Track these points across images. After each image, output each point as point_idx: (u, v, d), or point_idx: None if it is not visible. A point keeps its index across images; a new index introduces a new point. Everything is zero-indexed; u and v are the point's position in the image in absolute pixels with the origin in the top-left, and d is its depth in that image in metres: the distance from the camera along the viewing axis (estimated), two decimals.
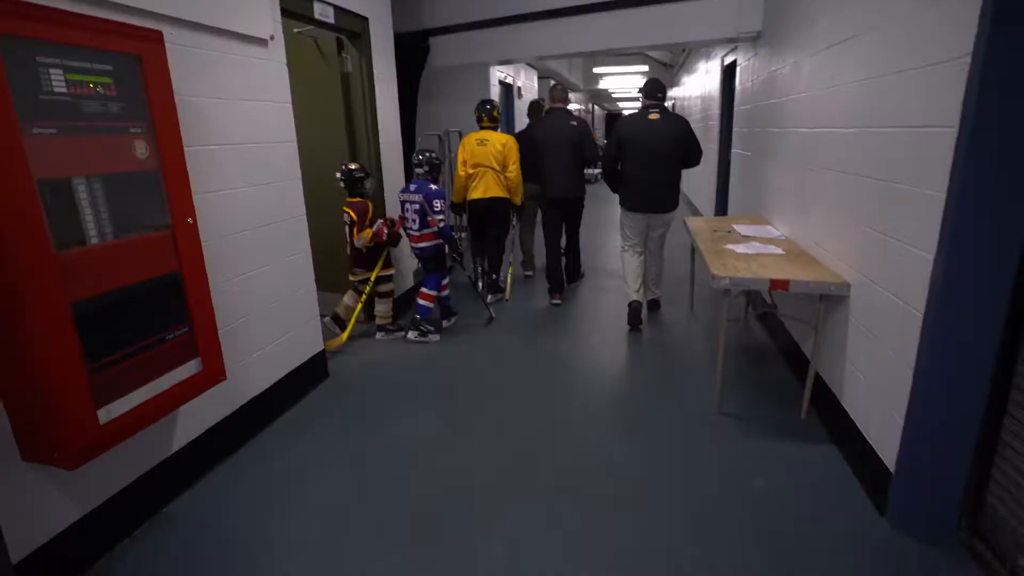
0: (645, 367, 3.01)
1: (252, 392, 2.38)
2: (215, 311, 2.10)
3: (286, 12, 2.56)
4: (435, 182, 3.30)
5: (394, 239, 3.21)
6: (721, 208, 5.30)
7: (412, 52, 4.44)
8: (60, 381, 1.48)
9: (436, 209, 3.19)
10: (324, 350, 2.86)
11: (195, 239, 1.79)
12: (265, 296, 2.41)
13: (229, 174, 2.16)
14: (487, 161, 3.70)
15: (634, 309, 3.50)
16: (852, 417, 2.15)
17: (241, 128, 2.22)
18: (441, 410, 2.60)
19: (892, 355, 1.86)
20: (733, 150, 4.61)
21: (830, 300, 2.35)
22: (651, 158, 3.33)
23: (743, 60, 4.32)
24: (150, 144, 1.65)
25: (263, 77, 2.33)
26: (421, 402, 2.68)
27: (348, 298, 3.36)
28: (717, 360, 2.55)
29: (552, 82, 8.16)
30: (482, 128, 3.78)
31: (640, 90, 3.48)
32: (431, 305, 3.39)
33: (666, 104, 3.52)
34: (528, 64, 7.91)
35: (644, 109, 3.41)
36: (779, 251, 2.69)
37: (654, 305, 3.79)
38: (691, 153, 3.37)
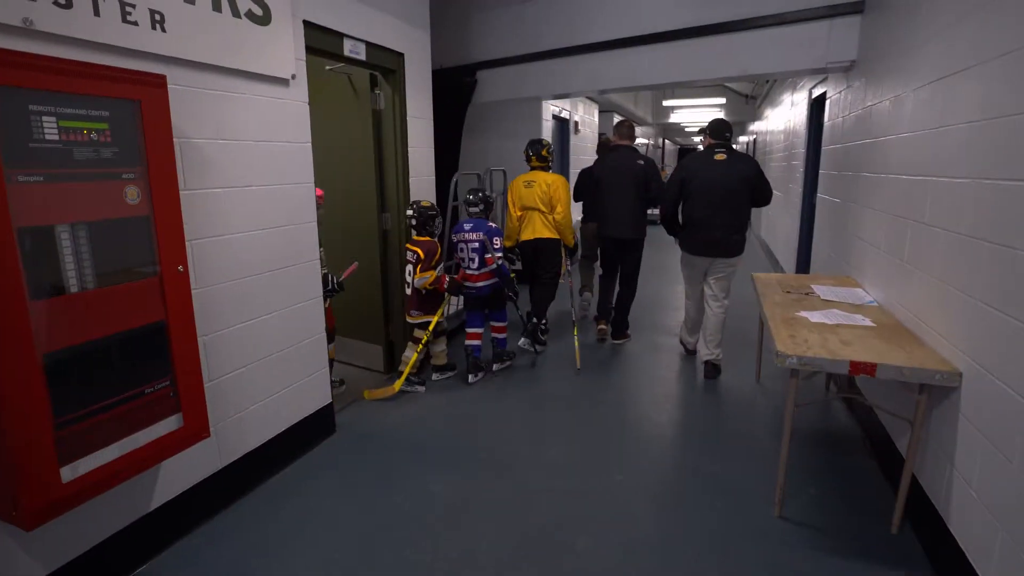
0: (694, 443, 2.73)
1: (244, 448, 2.32)
2: (208, 362, 2.06)
3: (312, 50, 2.57)
4: (488, 220, 3.42)
5: (455, 289, 3.26)
6: (803, 263, 4.90)
7: (457, 86, 4.47)
8: (22, 438, 1.45)
9: (496, 246, 3.30)
10: (331, 403, 2.78)
11: (184, 288, 1.76)
12: (267, 346, 2.36)
13: (236, 217, 2.15)
14: (533, 203, 3.77)
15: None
16: (961, 545, 1.75)
17: (254, 170, 2.21)
18: (454, 475, 2.47)
19: (1022, 474, 1.46)
20: (819, 195, 4.24)
21: (934, 391, 1.94)
22: (718, 199, 3.34)
23: (833, 92, 3.99)
24: (143, 190, 1.64)
25: (281, 117, 2.32)
26: (433, 464, 2.55)
27: (409, 351, 3.34)
28: (781, 451, 2.18)
29: (616, 118, 8.05)
30: (532, 168, 3.86)
31: (704, 129, 3.53)
32: (505, 336, 3.57)
33: (734, 145, 3.56)
34: (588, 97, 7.74)
35: (709, 148, 3.43)
36: (867, 322, 2.32)
37: (713, 370, 3.55)
38: (759, 193, 3.35)
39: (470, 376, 3.42)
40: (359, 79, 3.30)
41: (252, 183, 2.19)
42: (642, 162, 3.89)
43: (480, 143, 5.58)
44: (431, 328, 3.24)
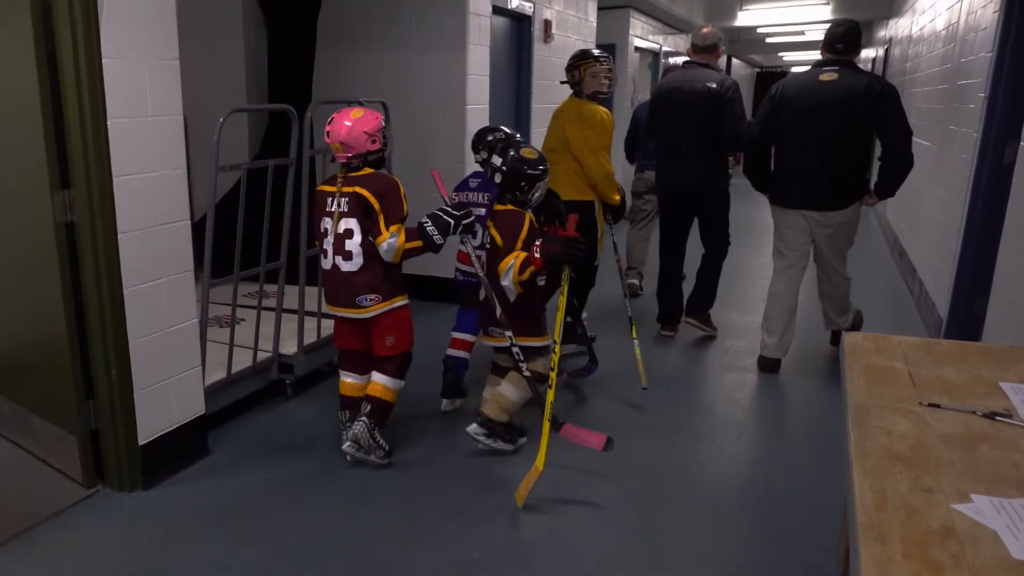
0: None
1: None
2: None
3: None
4: None
5: (572, 248, 3.10)
6: (967, 300, 4.19)
7: None
8: None
9: None
10: None
11: None
12: None
13: None
14: (553, 143, 4.17)
15: (764, 367, 4.16)
16: None
17: None
18: None
19: None
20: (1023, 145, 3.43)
21: None
22: (818, 135, 3.79)
23: None
24: None
25: None
26: None
27: (498, 385, 3.35)
28: None
29: (637, 20, 8.78)
30: (573, 95, 4.24)
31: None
32: (467, 357, 3.83)
33: (856, 61, 3.96)
34: None
35: (817, 66, 3.90)
36: None
37: (837, 339, 4.24)
38: (887, 132, 3.72)
39: (444, 402, 3.72)
40: None
41: None
42: (714, 85, 4.23)
43: (373, 57, 5.51)
44: (558, 344, 3.18)
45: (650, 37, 10.10)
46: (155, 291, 3.02)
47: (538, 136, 6.29)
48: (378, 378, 3.10)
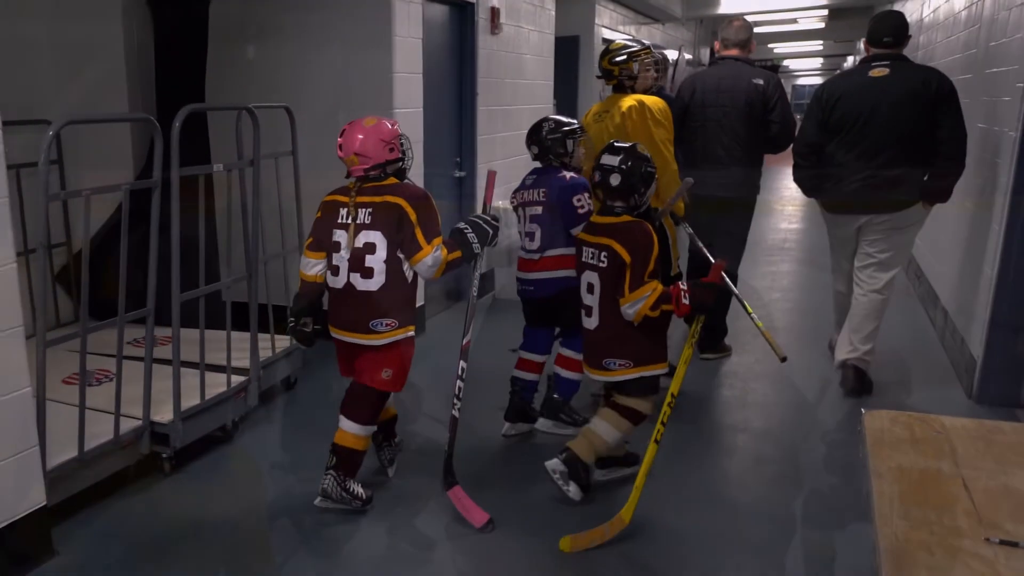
0: None
1: None
2: None
3: None
4: (568, 167, 3.79)
5: (706, 296, 3.10)
6: (1003, 337, 4.19)
7: None
8: None
9: (581, 211, 3.59)
10: None
11: None
12: None
13: None
14: None
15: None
16: None
17: None
18: None
19: None
20: None
21: None
22: (874, 132, 4.04)
23: None
24: None
25: None
26: None
27: (602, 425, 3.36)
28: None
29: (604, 8, 8.98)
30: (614, 92, 4.33)
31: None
32: (578, 377, 3.89)
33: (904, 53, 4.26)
34: None
35: (865, 62, 4.23)
36: None
37: (856, 378, 4.28)
38: (943, 132, 3.93)
39: (506, 425, 3.90)
40: None
41: None
42: (760, 81, 4.45)
43: (276, 53, 5.44)
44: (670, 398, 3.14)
45: (620, 28, 10.07)
46: None
47: (485, 144, 6.29)
48: (348, 426, 3.13)
